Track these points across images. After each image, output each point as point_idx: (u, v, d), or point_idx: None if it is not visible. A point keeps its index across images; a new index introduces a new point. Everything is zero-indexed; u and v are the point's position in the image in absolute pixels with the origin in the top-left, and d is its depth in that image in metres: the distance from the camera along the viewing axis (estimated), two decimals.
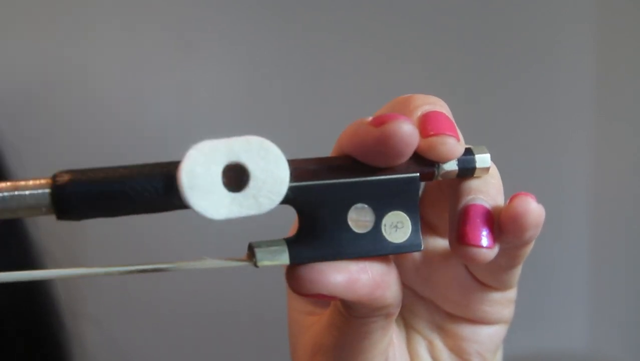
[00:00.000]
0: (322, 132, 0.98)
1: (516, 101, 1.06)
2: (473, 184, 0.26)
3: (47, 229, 0.56)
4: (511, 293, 0.30)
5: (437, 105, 0.26)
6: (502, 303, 0.30)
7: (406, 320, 0.31)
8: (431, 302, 0.31)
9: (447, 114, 0.26)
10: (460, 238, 0.25)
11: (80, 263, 0.55)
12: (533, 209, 0.24)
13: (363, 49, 0.99)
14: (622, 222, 1.09)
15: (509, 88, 1.06)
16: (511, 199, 0.25)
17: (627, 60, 1.08)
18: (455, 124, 0.26)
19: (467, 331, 0.30)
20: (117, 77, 0.89)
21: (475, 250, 0.24)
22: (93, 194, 0.21)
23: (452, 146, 0.25)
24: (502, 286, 0.29)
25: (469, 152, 0.26)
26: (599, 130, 1.09)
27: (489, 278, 0.29)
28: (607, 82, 1.08)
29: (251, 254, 0.24)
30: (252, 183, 0.22)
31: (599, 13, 1.07)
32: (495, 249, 0.25)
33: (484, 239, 0.25)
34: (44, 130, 0.83)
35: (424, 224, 0.29)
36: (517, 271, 0.28)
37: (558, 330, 1.12)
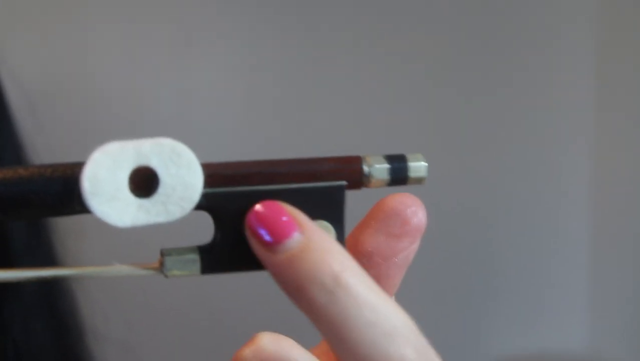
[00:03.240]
0: (322, 131, 0.98)
1: (516, 101, 1.06)
2: None
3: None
4: None
5: None
6: None
7: None
8: None
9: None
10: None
11: (77, 261, 0.55)
12: None
13: (363, 49, 0.99)
14: (622, 222, 1.09)
15: (508, 88, 1.06)
16: None
17: (627, 59, 1.08)
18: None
19: None
20: (117, 77, 0.89)
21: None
22: None
23: None
24: None
25: (402, 159, 0.24)
26: (599, 130, 1.09)
27: None
28: (607, 81, 1.08)
29: (162, 262, 0.22)
30: (161, 189, 0.21)
31: (599, 13, 1.07)
32: None
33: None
34: (42, 129, 0.83)
35: None
36: None
37: (558, 330, 1.12)
